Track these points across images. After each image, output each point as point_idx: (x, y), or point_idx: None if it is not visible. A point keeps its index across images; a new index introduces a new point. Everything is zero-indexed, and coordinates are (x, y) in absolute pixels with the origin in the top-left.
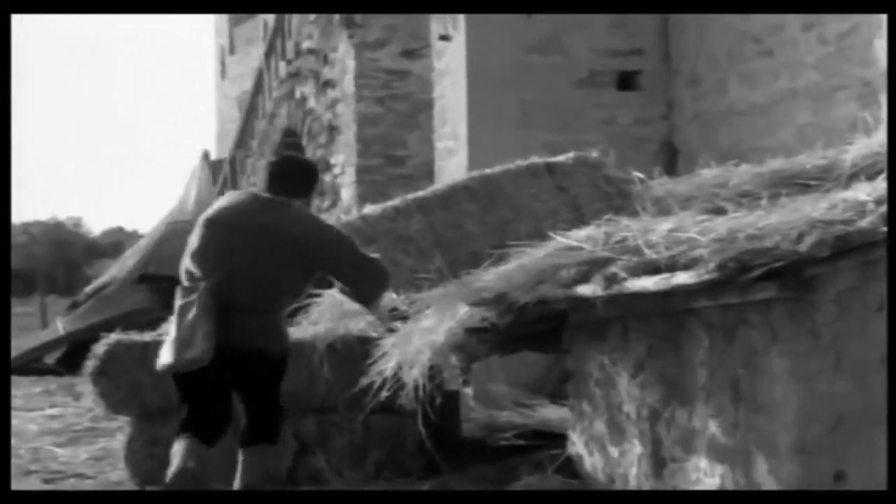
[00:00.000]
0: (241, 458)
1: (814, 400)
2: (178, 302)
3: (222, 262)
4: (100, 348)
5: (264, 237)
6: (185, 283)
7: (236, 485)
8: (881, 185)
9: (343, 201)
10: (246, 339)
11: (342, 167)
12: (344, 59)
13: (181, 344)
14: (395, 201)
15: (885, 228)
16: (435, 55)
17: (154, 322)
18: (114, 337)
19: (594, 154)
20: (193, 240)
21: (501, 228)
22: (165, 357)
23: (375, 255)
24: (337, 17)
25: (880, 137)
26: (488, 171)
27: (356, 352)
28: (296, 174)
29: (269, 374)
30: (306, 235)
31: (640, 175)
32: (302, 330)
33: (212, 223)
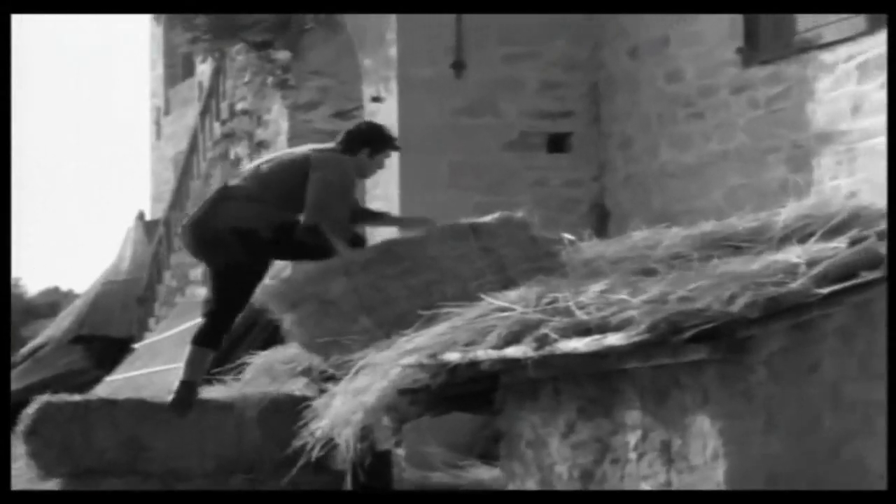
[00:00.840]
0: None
1: (746, 461)
2: None
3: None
4: (31, 408)
5: (289, 156)
6: None
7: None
8: (812, 247)
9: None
10: (228, 220)
11: None
12: (277, 119)
13: None
14: (320, 264)
15: (816, 290)
16: (367, 116)
17: (88, 383)
18: (45, 397)
19: (519, 214)
20: None
21: (426, 290)
22: None
23: (337, 215)
24: (270, 78)
25: (811, 200)
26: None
27: (288, 412)
28: (347, 137)
29: (239, 249)
30: (313, 161)
31: (570, 237)
32: (234, 390)
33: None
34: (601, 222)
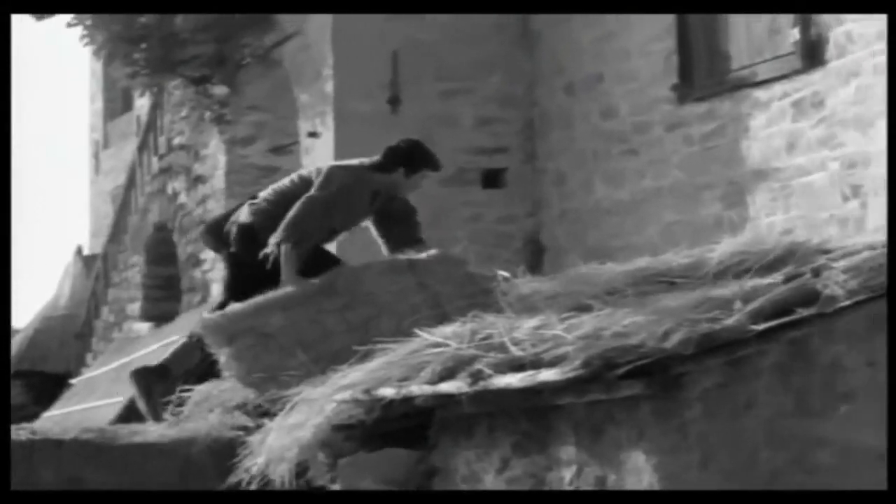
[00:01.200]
0: None
1: None
2: None
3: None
4: None
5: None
6: None
7: None
8: (748, 283)
9: (213, 297)
10: (237, 217)
11: (212, 262)
12: (215, 154)
13: None
14: (258, 298)
15: (751, 326)
16: (303, 151)
17: (28, 417)
18: None
19: (456, 251)
20: None
21: (363, 326)
22: None
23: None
24: (208, 113)
25: (746, 237)
26: (352, 266)
27: (232, 451)
28: (386, 154)
29: (238, 243)
30: (322, 174)
31: (505, 274)
32: (175, 429)
33: None
34: (536, 258)
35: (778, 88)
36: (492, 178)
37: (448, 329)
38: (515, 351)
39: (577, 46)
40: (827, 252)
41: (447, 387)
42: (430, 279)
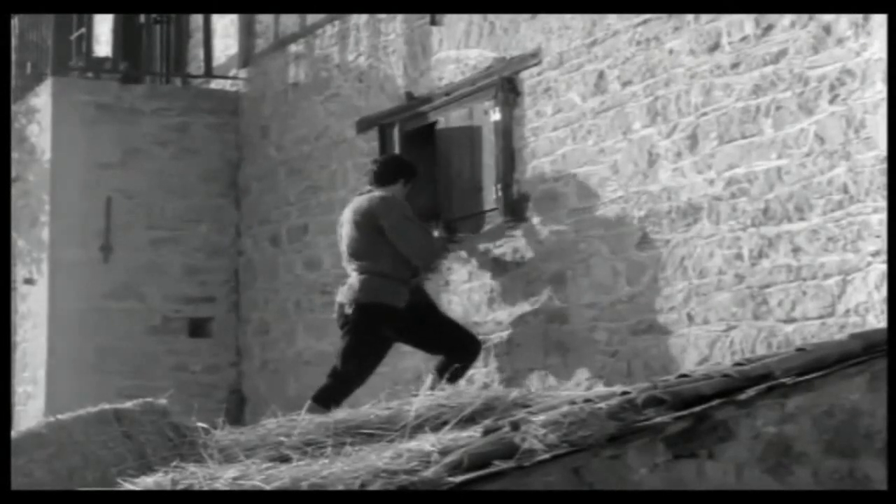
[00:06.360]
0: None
1: None
2: None
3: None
4: None
5: (358, 219)
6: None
7: None
8: (446, 436)
9: None
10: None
11: None
12: None
13: None
14: None
15: (449, 479)
16: (19, 298)
17: None
18: None
19: (162, 401)
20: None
21: (69, 476)
22: None
23: (431, 236)
24: None
25: (445, 390)
26: (61, 417)
27: None
28: (382, 169)
29: (360, 319)
30: (376, 209)
31: (204, 425)
32: None
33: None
34: (238, 408)
35: (480, 244)
36: (198, 328)
37: (150, 479)
38: None
39: (283, 198)
40: (526, 406)
41: None
42: (135, 429)
